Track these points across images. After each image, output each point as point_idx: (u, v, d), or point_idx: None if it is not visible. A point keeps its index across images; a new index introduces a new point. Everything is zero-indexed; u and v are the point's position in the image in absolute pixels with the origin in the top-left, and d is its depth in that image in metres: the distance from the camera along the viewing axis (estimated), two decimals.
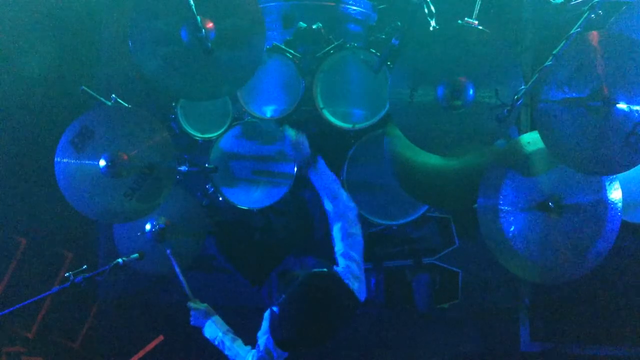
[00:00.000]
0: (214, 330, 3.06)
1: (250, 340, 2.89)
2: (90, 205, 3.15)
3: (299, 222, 3.83)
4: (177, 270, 3.31)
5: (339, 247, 2.75)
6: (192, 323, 3.17)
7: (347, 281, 2.60)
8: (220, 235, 3.97)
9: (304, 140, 2.93)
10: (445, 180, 3.27)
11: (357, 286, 2.64)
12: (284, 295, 2.50)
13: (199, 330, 3.14)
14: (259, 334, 2.76)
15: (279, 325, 2.52)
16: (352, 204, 2.84)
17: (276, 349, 2.66)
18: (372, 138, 3.49)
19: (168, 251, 3.35)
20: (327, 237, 2.84)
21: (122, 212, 3.16)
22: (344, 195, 2.85)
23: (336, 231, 2.78)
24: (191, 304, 3.19)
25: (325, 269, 2.62)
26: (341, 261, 2.71)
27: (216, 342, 3.04)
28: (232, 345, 2.96)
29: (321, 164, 2.91)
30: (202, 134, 3.65)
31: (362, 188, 3.53)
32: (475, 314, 4.11)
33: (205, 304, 3.19)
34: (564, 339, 4.08)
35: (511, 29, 4.05)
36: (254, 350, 2.79)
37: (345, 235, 2.74)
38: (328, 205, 2.83)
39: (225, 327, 3.09)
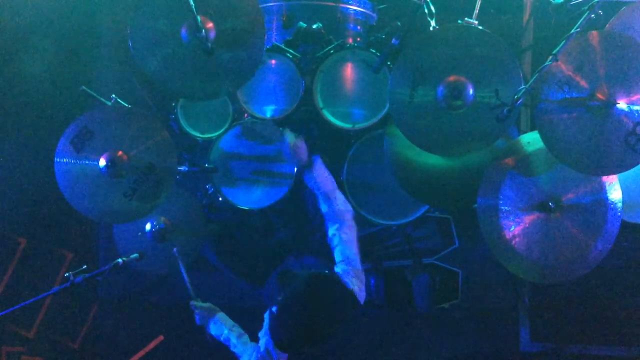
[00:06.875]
0: (220, 327, 3.05)
1: (253, 340, 2.88)
2: (90, 205, 3.16)
3: (299, 222, 3.82)
4: (183, 269, 3.31)
5: (337, 252, 2.74)
6: (198, 322, 3.16)
7: (347, 282, 2.60)
8: (219, 237, 3.96)
9: (302, 144, 2.88)
10: (445, 180, 3.27)
11: (358, 288, 2.64)
12: (282, 296, 2.47)
13: (198, 330, 3.13)
14: (260, 333, 2.76)
15: (277, 326, 2.51)
16: (348, 207, 2.82)
17: (276, 350, 2.65)
18: (372, 138, 3.48)
19: (175, 250, 3.35)
20: (327, 237, 2.84)
21: (122, 212, 3.17)
22: (339, 197, 2.82)
23: (332, 233, 2.77)
24: (194, 303, 3.19)
25: (326, 271, 2.61)
26: (341, 265, 2.70)
27: (222, 339, 3.03)
28: (238, 341, 2.95)
29: (318, 165, 2.85)
30: (202, 134, 3.65)
31: (362, 188, 3.52)
32: (475, 314, 4.11)
33: (208, 303, 3.19)
34: (564, 339, 4.08)
35: (511, 29, 4.05)
36: (257, 346, 2.78)
37: (341, 240, 2.73)
38: (323, 207, 2.81)
39: (231, 322, 3.07)
